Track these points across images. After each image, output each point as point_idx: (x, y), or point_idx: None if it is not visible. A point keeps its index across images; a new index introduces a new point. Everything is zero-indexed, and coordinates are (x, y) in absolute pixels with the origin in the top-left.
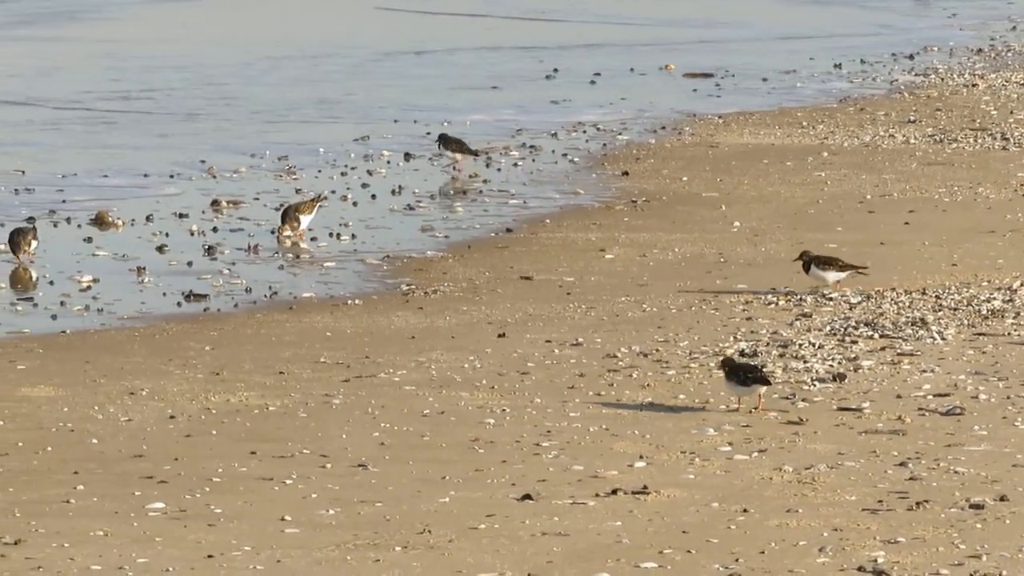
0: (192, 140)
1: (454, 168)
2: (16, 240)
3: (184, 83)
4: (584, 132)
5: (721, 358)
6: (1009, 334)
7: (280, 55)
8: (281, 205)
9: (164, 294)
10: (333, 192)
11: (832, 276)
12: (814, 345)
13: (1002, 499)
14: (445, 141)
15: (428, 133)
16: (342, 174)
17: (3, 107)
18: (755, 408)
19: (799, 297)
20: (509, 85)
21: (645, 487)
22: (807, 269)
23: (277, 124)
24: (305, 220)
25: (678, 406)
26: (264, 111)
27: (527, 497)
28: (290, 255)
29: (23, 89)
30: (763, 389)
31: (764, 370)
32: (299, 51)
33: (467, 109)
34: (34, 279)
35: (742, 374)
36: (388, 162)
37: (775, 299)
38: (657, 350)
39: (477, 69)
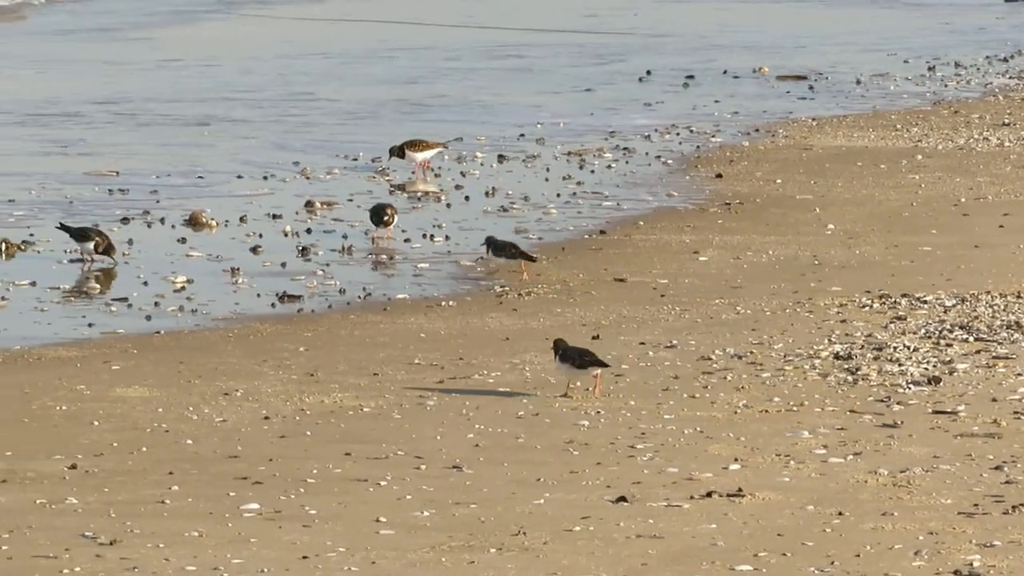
0: (285, 141)
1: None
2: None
3: (278, 84)
4: (677, 134)
5: (554, 340)
6: None
7: (373, 55)
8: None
9: (258, 295)
10: (427, 193)
11: None
12: (909, 348)
13: None
14: (495, 247)
15: (522, 135)
16: (436, 175)
17: (95, 107)
18: (592, 389)
19: (893, 300)
20: (602, 87)
21: (740, 490)
22: None
23: (370, 125)
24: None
25: (772, 409)
26: (357, 112)
27: (622, 499)
28: (384, 256)
29: (115, 90)
30: (598, 371)
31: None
32: (393, 51)
33: (560, 111)
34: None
35: (577, 357)
36: (481, 164)
37: (870, 302)
38: (751, 352)
39: (570, 71)
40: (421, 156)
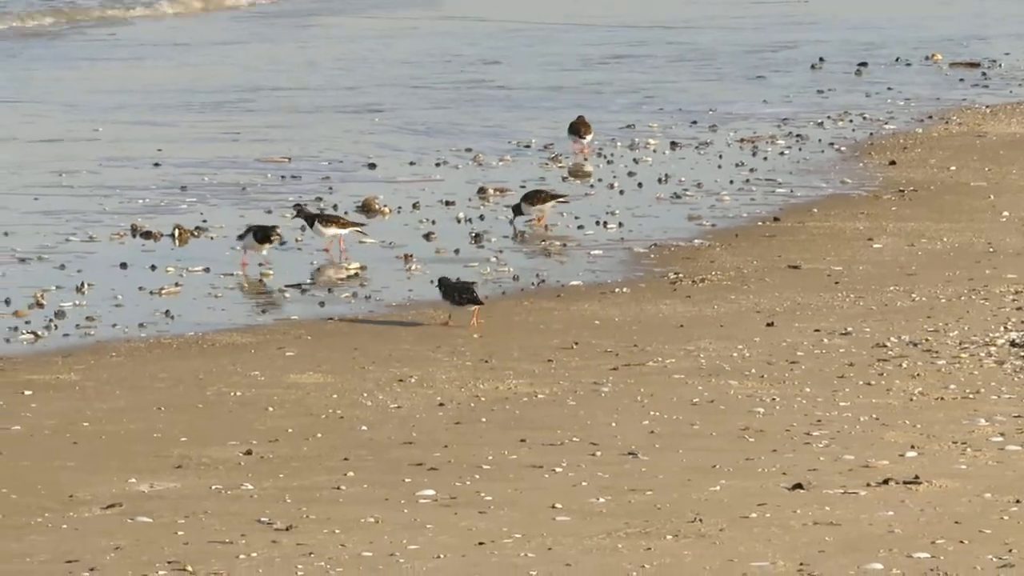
0: (458, 128)
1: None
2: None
3: (449, 71)
4: (850, 121)
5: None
6: None
7: (546, 41)
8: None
9: (431, 281)
10: (600, 180)
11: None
12: None
13: None
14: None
15: (694, 122)
16: (608, 162)
17: (268, 94)
18: (473, 324)
19: None
20: (774, 75)
21: (916, 477)
22: None
23: (541, 111)
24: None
25: (948, 396)
26: (529, 98)
27: (798, 486)
28: (557, 243)
29: (289, 78)
30: (474, 308)
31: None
32: (563, 36)
33: (731, 99)
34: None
35: (456, 294)
36: (654, 151)
37: None
38: (927, 340)
39: (743, 59)
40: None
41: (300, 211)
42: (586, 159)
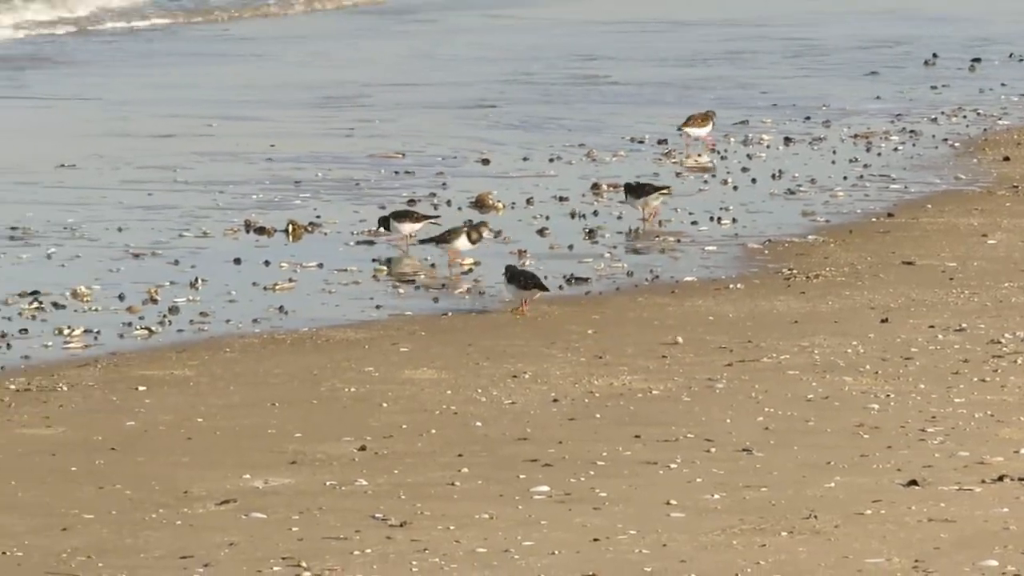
0: (571, 123)
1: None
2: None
3: (562, 66)
4: (964, 117)
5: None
6: None
7: (656, 36)
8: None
9: (546, 277)
10: (714, 176)
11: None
12: None
13: None
14: (631, 190)
15: (808, 118)
16: (722, 158)
17: (380, 90)
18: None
19: None
20: (887, 70)
21: None
22: None
23: (656, 107)
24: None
25: None
26: (642, 93)
27: (913, 483)
28: (671, 239)
29: (399, 74)
30: (537, 294)
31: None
32: (676, 32)
33: (845, 95)
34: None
35: (523, 279)
36: (767, 146)
37: None
38: None
39: (856, 55)
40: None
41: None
42: (713, 150)
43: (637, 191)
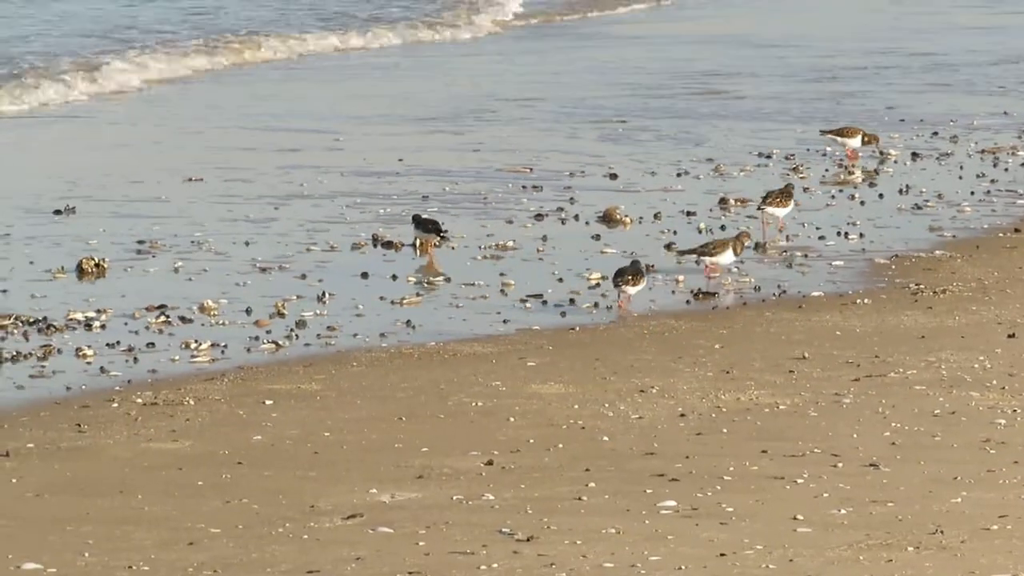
0: (698, 138)
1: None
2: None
3: (689, 80)
4: None
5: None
6: None
7: (783, 51)
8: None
9: (673, 292)
10: (841, 191)
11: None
12: None
13: None
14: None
15: (935, 133)
16: (849, 173)
17: (509, 104)
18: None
19: None
20: (1015, 87)
21: None
22: None
23: (779, 122)
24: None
25: None
26: (768, 108)
27: None
28: (799, 253)
29: (528, 89)
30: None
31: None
32: (802, 47)
33: (972, 111)
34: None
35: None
36: (895, 161)
37: None
38: None
39: (984, 70)
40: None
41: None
42: (853, 165)
43: (423, 225)
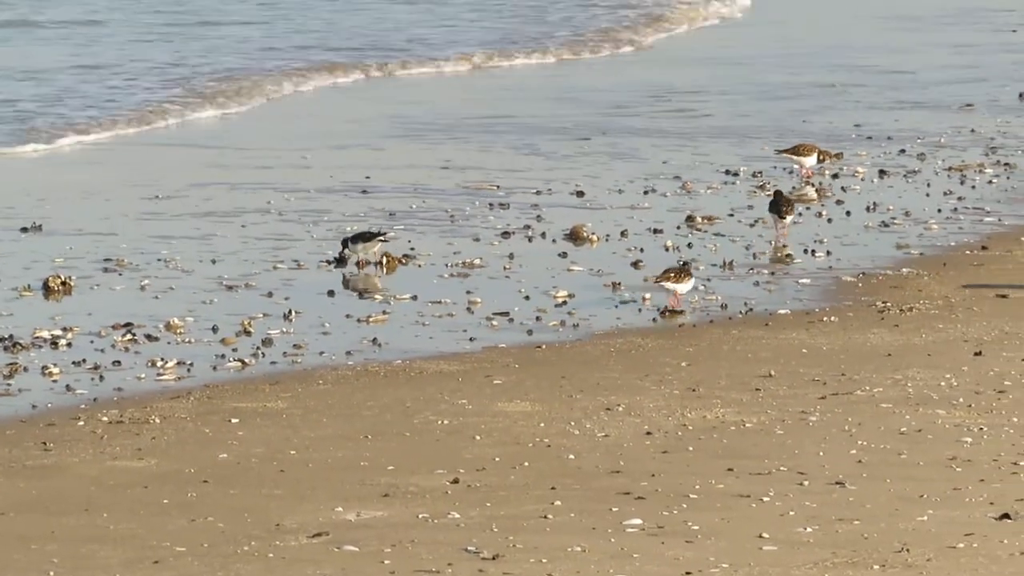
0: (666, 156)
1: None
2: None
3: (657, 101)
4: None
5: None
6: None
7: (750, 70)
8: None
9: (639, 310)
10: (808, 208)
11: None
12: None
13: None
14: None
15: (902, 151)
16: (815, 190)
17: (474, 122)
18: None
19: None
20: (982, 104)
21: None
22: None
23: (748, 141)
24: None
25: None
26: (738, 127)
27: (1006, 516)
28: (765, 271)
29: (493, 109)
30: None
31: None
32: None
33: (939, 129)
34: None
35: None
36: (862, 179)
37: None
38: None
39: (950, 88)
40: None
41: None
42: (807, 182)
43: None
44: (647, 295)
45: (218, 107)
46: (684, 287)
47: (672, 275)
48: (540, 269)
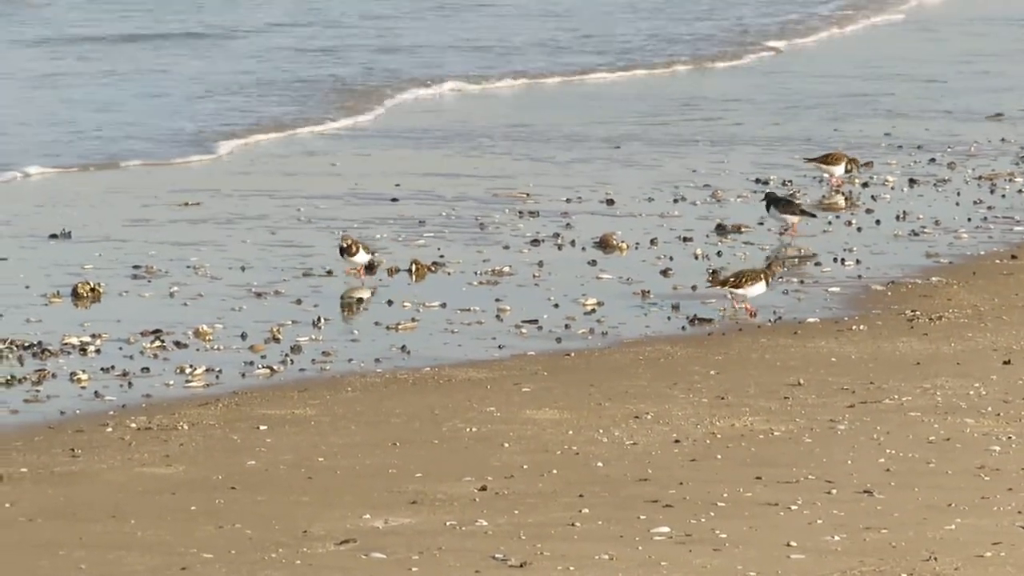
0: (694, 164)
1: (786, 232)
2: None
3: (686, 110)
4: None
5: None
6: None
7: (780, 82)
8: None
9: (668, 318)
10: (838, 217)
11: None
12: None
13: None
14: (774, 202)
15: (933, 160)
16: (845, 198)
17: (506, 130)
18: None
19: None
20: (1012, 113)
21: None
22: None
23: (776, 151)
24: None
25: None
26: (768, 137)
27: None
28: (795, 279)
29: (525, 116)
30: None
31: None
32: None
33: (970, 138)
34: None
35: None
36: (892, 188)
37: None
38: None
39: (980, 96)
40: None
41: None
42: (838, 190)
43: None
44: (676, 303)
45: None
46: (753, 291)
47: (731, 279)
48: (570, 277)
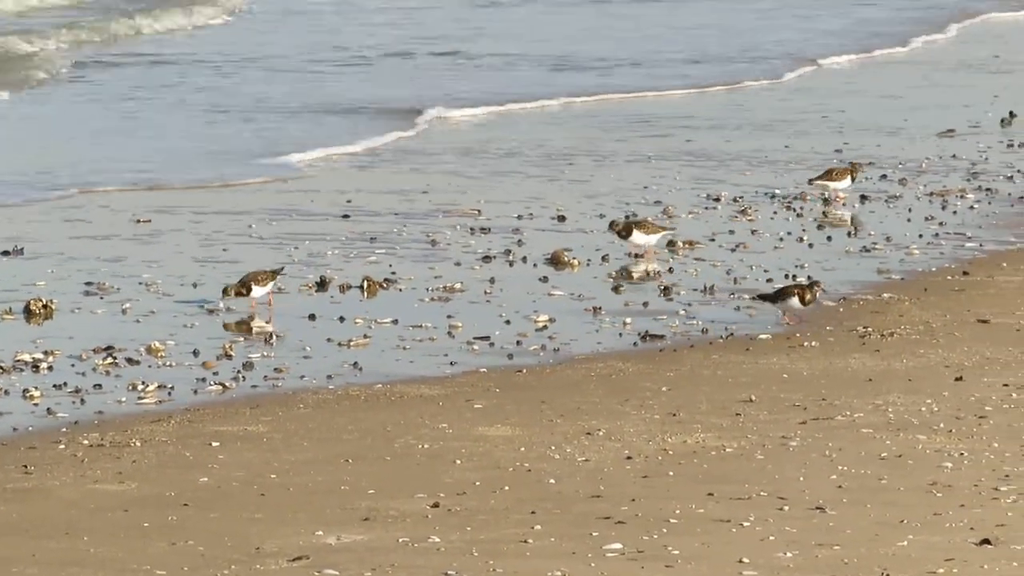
0: (647, 181)
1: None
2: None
3: (643, 127)
4: None
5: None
6: None
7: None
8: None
9: (620, 334)
10: (789, 233)
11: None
12: None
13: None
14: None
15: (884, 176)
16: (797, 215)
17: (455, 147)
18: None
19: None
20: (963, 129)
21: None
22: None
23: (734, 167)
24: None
25: None
26: (718, 154)
27: (986, 542)
28: (746, 296)
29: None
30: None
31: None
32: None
33: (921, 152)
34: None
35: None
36: (843, 204)
37: None
38: None
39: (929, 113)
40: (644, 240)
41: None
42: (843, 204)
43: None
44: (628, 319)
45: None
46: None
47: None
48: (521, 293)
